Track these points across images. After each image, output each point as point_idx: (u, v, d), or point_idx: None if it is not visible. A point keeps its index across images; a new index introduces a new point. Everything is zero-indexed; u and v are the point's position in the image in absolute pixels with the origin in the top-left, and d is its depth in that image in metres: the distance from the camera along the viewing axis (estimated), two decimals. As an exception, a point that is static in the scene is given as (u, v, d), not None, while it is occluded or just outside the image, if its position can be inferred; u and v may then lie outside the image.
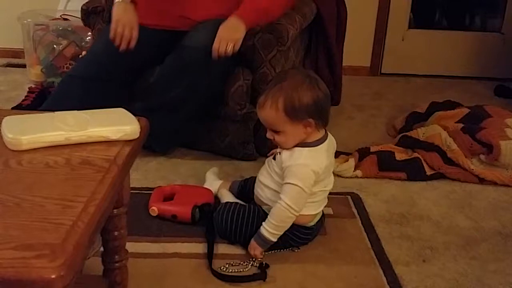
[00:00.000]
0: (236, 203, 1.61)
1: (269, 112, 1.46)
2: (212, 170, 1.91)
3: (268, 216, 1.50)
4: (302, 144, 1.49)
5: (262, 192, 1.58)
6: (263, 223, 1.50)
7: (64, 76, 2.17)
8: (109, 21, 1.99)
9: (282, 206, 1.46)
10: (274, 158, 1.55)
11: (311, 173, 1.46)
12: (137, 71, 2.05)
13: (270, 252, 1.54)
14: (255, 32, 1.99)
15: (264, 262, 1.49)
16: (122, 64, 1.97)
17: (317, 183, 1.50)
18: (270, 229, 1.49)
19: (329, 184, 1.58)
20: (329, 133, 1.56)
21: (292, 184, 1.46)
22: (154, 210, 1.67)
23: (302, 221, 1.53)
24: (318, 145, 1.50)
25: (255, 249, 1.51)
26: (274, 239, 1.50)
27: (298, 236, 1.55)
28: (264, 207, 1.57)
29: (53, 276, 0.68)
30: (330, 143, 1.55)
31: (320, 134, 1.51)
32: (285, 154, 1.50)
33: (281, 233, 1.50)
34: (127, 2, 1.96)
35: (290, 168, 1.47)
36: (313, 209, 1.55)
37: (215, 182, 1.82)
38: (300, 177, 1.46)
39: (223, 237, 1.58)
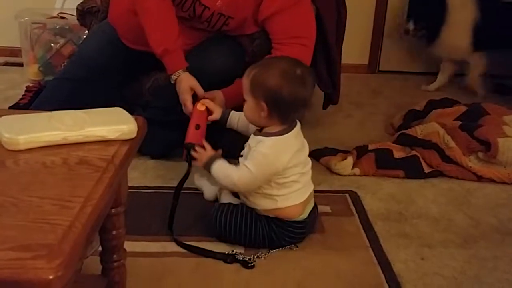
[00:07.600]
0: (230, 203, 1.60)
1: (245, 76, 1.50)
2: (200, 176, 1.81)
3: (223, 167, 1.53)
4: (268, 134, 1.49)
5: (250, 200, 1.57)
6: (222, 163, 1.53)
7: (52, 79, 2.14)
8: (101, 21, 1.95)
9: (231, 175, 1.50)
10: (241, 155, 1.56)
11: (267, 165, 1.47)
12: (129, 73, 2.04)
13: (268, 252, 1.54)
14: (253, 38, 1.97)
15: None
16: (113, 66, 1.96)
17: (289, 169, 1.48)
18: (216, 171, 1.53)
19: (306, 165, 1.55)
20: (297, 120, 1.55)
21: (247, 168, 1.47)
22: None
23: (291, 214, 1.53)
24: (286, 133, 1.49)
25: (200, 160, 1.57)
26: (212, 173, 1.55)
27: (292, 231, 1.55)
28: None
29: (50, 277, 0.68)
30: (300, 129, 1.54)
31: (284, 126, 1.50)
32: (251, 141, 1.52)
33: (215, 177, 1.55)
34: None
35: (252, 152, 1.49)
36: (297, 198, 1.53)
37: (212, 188, 1.76)
38: (256, 164, 1.47)
39: (222, 237, 1.58)
